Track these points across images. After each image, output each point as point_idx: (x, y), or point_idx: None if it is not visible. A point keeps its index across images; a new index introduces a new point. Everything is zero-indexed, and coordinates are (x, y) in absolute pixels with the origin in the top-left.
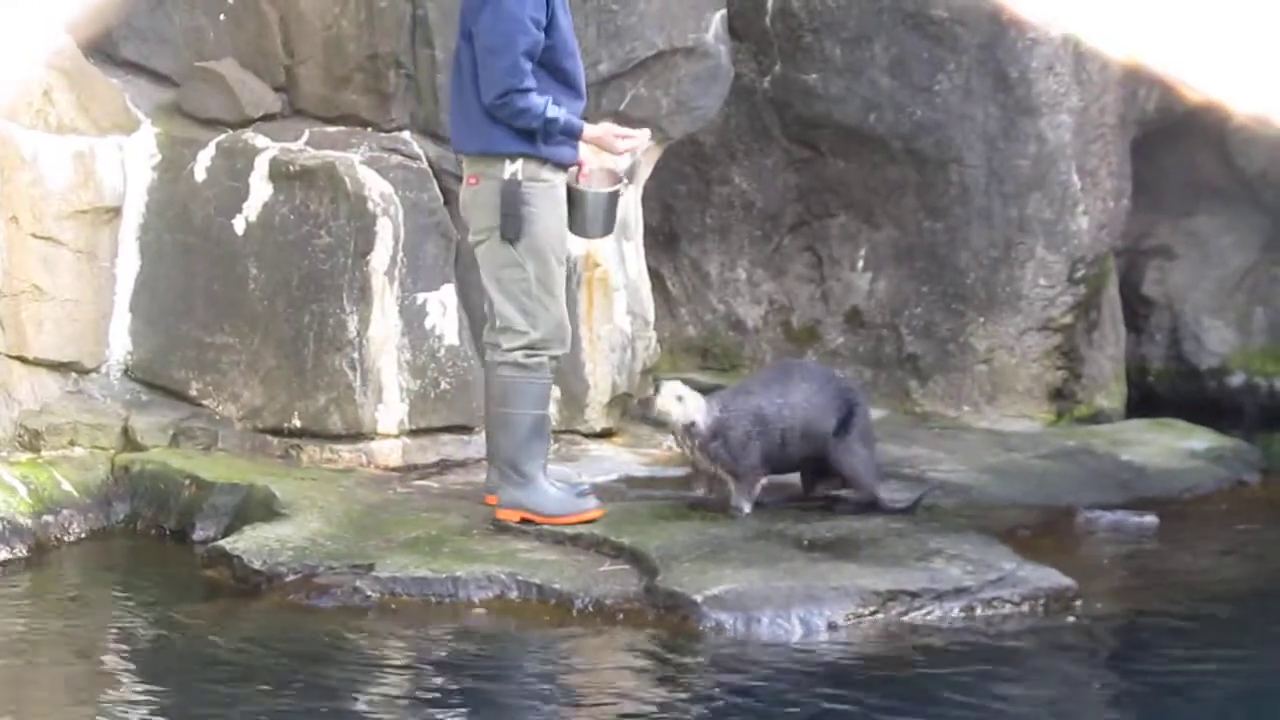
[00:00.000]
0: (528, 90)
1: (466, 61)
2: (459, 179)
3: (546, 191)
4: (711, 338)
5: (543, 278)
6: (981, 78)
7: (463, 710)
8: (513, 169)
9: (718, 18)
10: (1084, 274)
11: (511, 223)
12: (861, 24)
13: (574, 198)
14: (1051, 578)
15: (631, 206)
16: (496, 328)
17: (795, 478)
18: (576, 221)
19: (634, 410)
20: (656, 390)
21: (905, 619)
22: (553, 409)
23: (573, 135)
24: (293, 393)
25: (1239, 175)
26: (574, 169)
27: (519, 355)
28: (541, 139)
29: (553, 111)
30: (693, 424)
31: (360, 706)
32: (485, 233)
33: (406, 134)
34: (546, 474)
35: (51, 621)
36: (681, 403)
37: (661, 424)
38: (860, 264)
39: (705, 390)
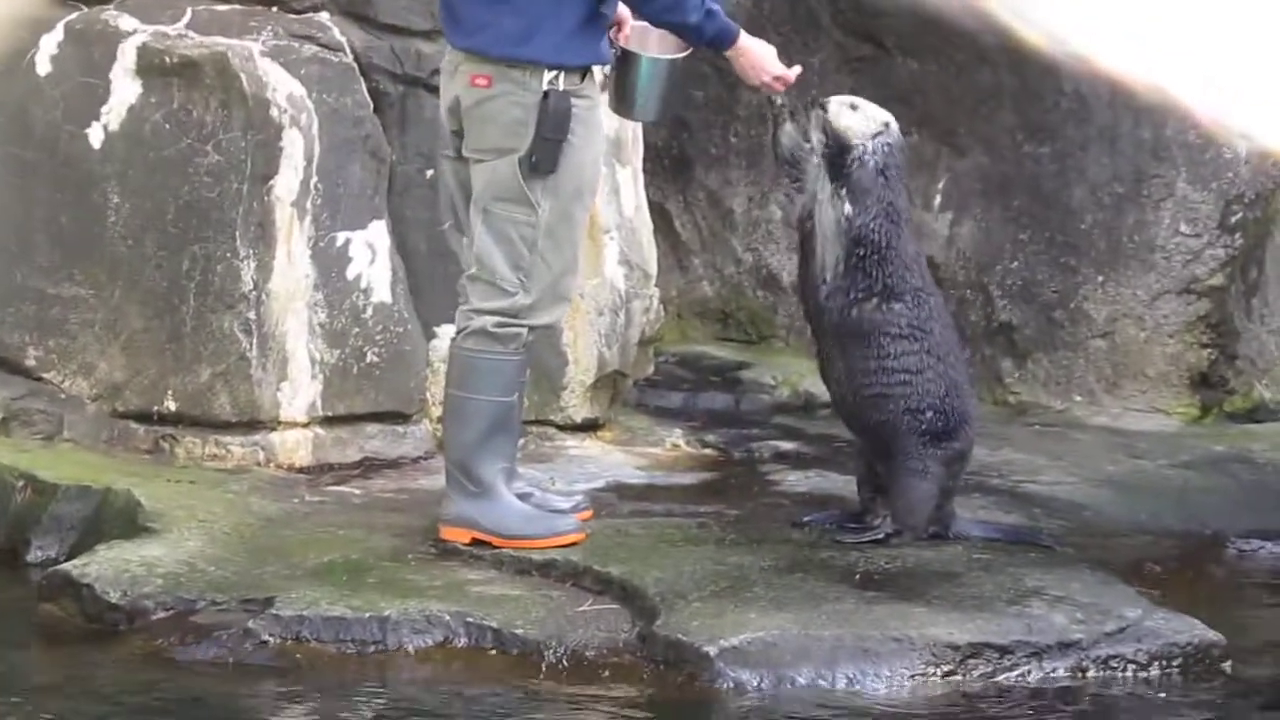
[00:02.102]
0: None
1: None
2: (396, 78)
3: (586, 114)
4: (734, 298)
5: (555, 227)
6: None
7: None
8: (551, 77)
9: None
10: (1241, 218)
11: (549, 151)
12: None
13: (623, 64)
14: (1191, 630)
15: (629, 124)
16: (472, 274)
17: (849, 488)
18: (626, 98)
19: (775, 147)
20: (823, 107)
21: (991, 682)
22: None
23: (725, 43)
24: (166, 365)
25: None
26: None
27: (489, 322)
28: (688, 38)
29: (710, 3)
30: (886, 125)
31: None
32: (492, 154)
33: (325, 16)
34: (510, 482)
35: None
36: (858, 111)
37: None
38: (937, 201)
39: (730, 367)
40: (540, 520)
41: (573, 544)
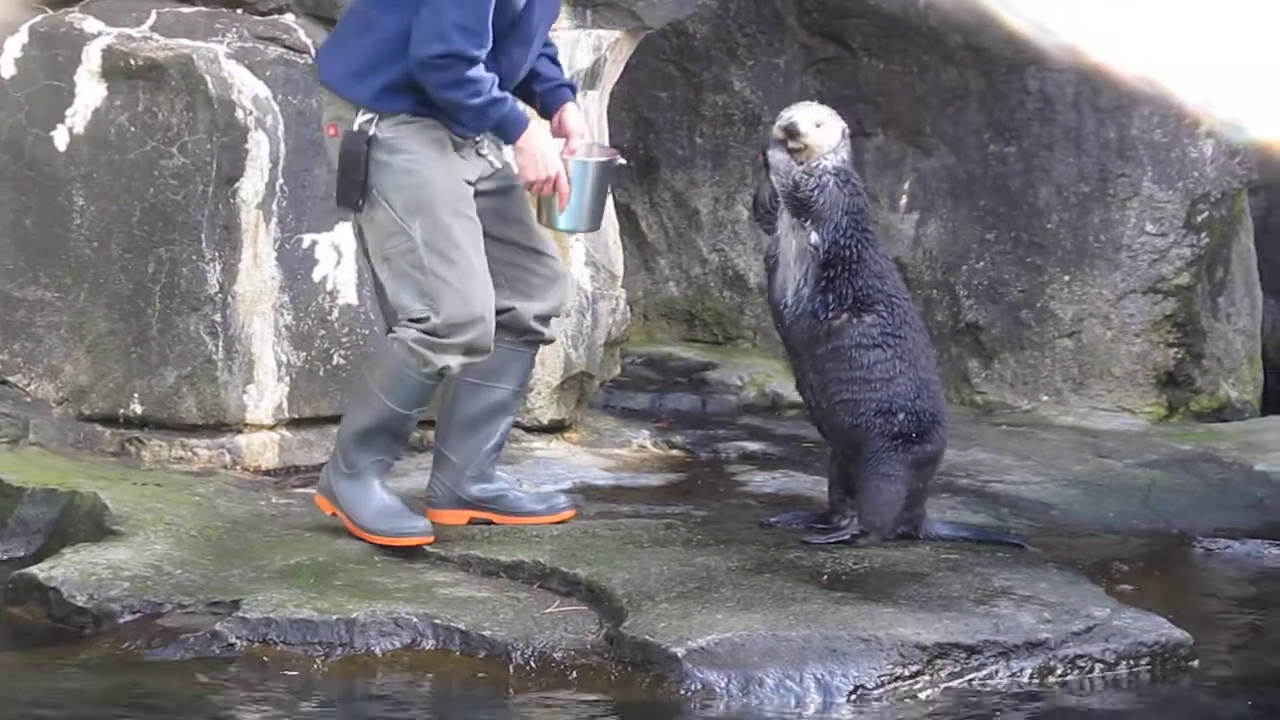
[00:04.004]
0: (477, 59)
1: None
2: None
3: (423, 131)
4: (700, 299)
5: (434, 241)
6: None
7: None
8: (364, 120)
9: None
10: (1207, 217)
11: (349, 189)
12: None
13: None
14: (1158, 629)
15: (594, 121)
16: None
17: (816, 489)
18: (552, 209)
19: (757, 198)
20: (792, 133)
21: (958, 683)
22: None
23: (508, 135)
24: (132, 367)
25: None
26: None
27: (409, 336)
28: (464, 119)
29: (499, 93)
30: (844, 133)
31: None
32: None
33: (290, 18)
34: (383, 479)
35: None
36: (822, 129)
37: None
38: (903, 201)
39: (697, 368)
40: (390, 518)
41: (418, 545)
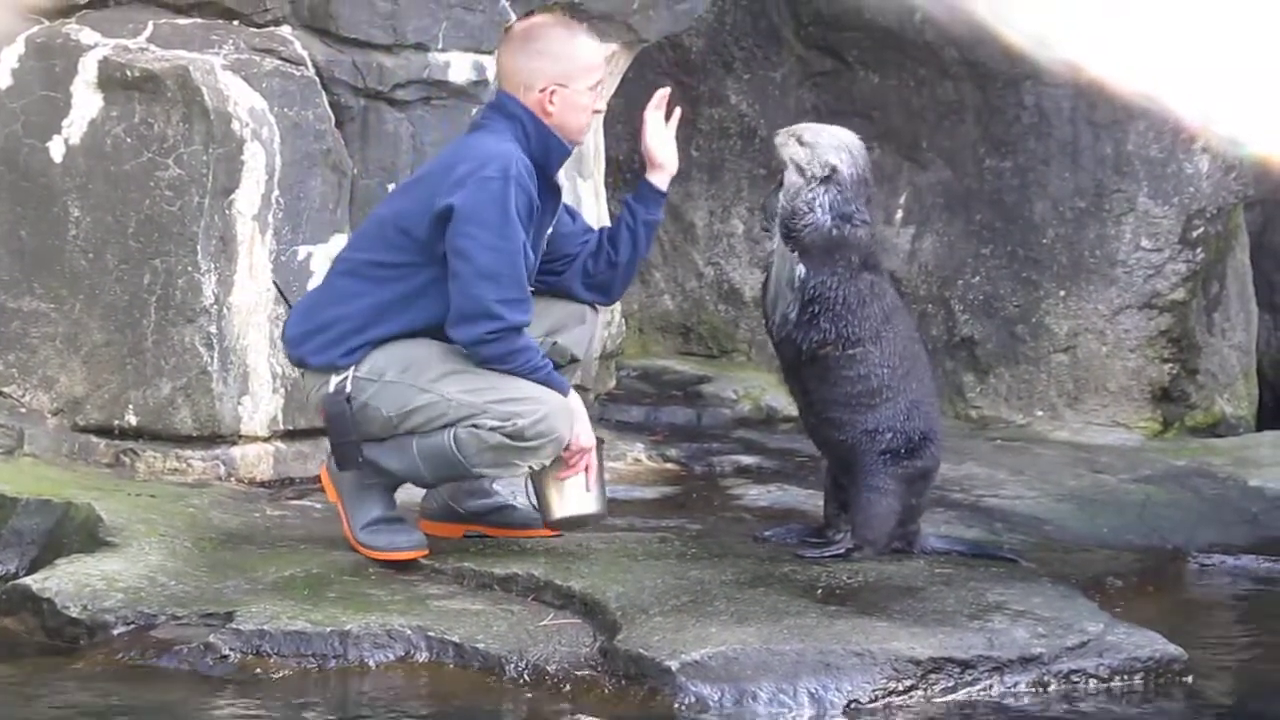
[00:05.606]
0: (526, 324)
1: (385, 249)
2: (358, 92)
3: (394, 343)
4: (695, 312)
5: (467, 381)
6: None
7: None
8: (339, 380)
9: None
10: (1203, 233)
11: (345, 450)
12: None
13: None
14: (1153, 644)
15: (590, 134)
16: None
17: (810, 503)
18: (570, 491)
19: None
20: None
21: (953, 697)
22: None
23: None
24: (127, 379)
25: None
26: None
27: (492, 438)
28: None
29: (542, 360)
30: (833, 171)
31: None
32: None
33: (286, 30)
34: (389, 490)
35: None
36: (807, 148)
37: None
38: (899, 215)
39: (692, 381)
40: (385, 533)
41: (409, 560)
